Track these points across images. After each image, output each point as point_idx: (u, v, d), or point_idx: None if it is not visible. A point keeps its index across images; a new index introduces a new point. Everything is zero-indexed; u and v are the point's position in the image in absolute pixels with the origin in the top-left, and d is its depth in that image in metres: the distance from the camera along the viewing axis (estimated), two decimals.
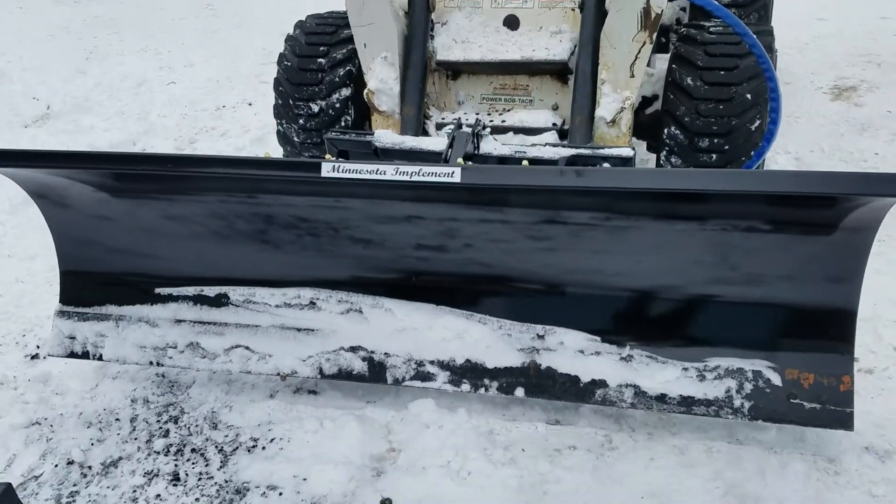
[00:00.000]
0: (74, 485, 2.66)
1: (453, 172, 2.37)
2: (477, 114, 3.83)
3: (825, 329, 2.48)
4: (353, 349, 2.86)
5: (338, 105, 3.98)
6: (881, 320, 3.18)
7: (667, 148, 3.56)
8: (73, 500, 2.59)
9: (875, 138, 4.75)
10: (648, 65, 3.67)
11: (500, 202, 2.61)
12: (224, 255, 3.00)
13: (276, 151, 4.26)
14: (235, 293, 3.00)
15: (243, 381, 3.11)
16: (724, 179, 2.25)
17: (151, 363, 2.98)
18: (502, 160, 3.34)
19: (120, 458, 2.77)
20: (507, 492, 2.48)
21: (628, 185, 2.35)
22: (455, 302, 2.83)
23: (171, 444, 2.81)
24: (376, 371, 2.84)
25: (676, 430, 2.70)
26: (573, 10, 3.60)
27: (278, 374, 2.91)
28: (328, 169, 2.47)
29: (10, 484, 2.00)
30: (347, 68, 4.00)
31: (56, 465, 2.75)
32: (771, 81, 2.82)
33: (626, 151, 3.20)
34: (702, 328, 2.63)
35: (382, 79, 3.77)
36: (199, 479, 2.64)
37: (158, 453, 2.78)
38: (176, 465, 2.71)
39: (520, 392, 2.69)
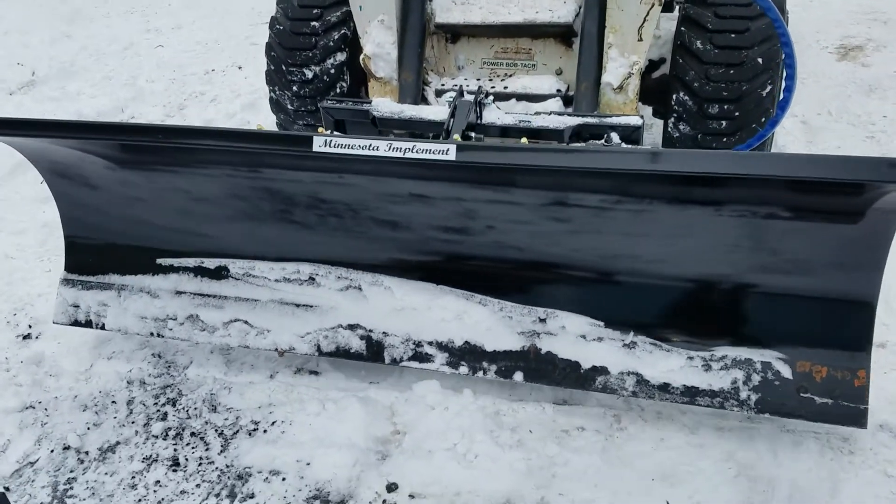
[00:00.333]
0: (71, 471, 2.60)
1: (448, 150, 2.27)
2: (478, 79, 3.70)
3: (841, 320, 2.37)
4: (352, 327, 2.80)
5: (332, 71, 3.84)
6: (894, 291, 3.10)
7: (675, 114, 3.44)
8: (71, 488, 2.53)
9: (883, 100, 4.63)
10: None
11: (502, 181, 2.50)
12: (224, 228, 2.95)
13: (268, 118, 4.12)
14: (235, 266, 2.96)
15: (241, 361, 3.03)
16: (741, 163, 2.10)
17: (152, 334, 2.95)
18: (505, 130, 3.23)
19: (117, 443, 2.70)
20: (515, 475, 2.42)
21: (633, 166, 2.22)
22: (456, 282, 2.75)
23: (169, 428, 2.75)
24: (374, 350, 2.78)
25: (686, 408, 2.64)
26: None
27: (276, 349, 2.85)
28: (320, 143, 2.39)
29: (3, 493, 1.92)
30: (342, 31, 3.84)
31: (52, 451, 2.68)
32: (786, 46, 2.70)
33: (634, 120, 3.09)
34: (709, 316, 2.53)
35: (379, 43, 3.62)
36: (200, 465, 2.58)
37: (157, 437, 2.71)
38: (175, 450, 2.64)
39: (518, 377, 2.62)
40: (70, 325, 3.06)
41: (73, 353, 3.13)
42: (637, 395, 2.52)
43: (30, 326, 3.32)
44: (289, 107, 3.94)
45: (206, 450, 2.63)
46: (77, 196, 3.02)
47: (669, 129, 3.48)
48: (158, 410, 2.83)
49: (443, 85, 3.69)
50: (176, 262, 3.00)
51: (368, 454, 2.54)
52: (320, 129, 2.70)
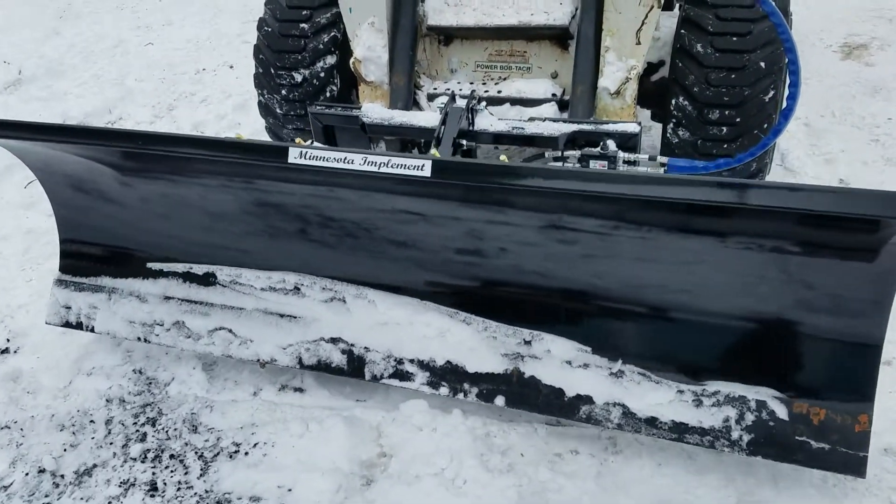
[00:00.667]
0: (46, 496, 2.50)
1: (423, 165, 2.20)
2: (471, 83, 3.59)
3: (844, 361, 2.20)
4: (334, 340, 2.73)
5: (322, 74, 3.72)
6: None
7: (674, 119, 3.33)
8: None
9: (888, 101, 4.52)
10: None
11: (482, 198, 2.39)
12: (213, 234, 2.91)
13: (259, 120, 4.00)
14: (223, 273, 2.92)
15: (224, 377, 2.94)
16: (747, 194, 1.96)
17: (139, 339, 2.93)
18: (498, 137, 3.12)
19: (94, 466, 2.60)
20: (505, 503, 2.32)
21: (621, 191, 2.09)
22: (440, 299, 2.66)
23: (148, 450, 2.65)
24: (355, 365, 2.70)
25: None
26: None
27: (258, 360, 2.79)
28: (295, 155, 2.35)
29: None
30: (332, 34, 3.73)
31: (27, 474, 2.59)
32: (790, 52, 2.58)
33: (631, 127, 2.98)
34: (703, 348, 2.37)
35: (370, 46, 3.51)
36: (178, 489, 2.48)
37: (135, 460, 2.62)
38: (153, 474, 2.55)
39: (500, 401, 2.51)
40: (62, 325, 3.04)
41: (52, 369, 3.03)
42: (623, 429, 2.38)
43: (8, 340, 3.23)
44: (278, 111, 3.83)
45: (186, 473, 2.54)
46: (71, 197, 3.00)
47: (668, 135, 3.37)
48: (138, 431, 2.74)
49: (435, 89, 3.59)
50: (165, 266, 2.97)
51: (353, 479, 2.44)
52: (298, 140, 2.62)
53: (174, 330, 2.89)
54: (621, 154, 2.95)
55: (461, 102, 3.13)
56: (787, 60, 2.65)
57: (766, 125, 3.19)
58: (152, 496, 2.47)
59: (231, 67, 5.66)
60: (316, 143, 2.72)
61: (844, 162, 3.94)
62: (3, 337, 3.25)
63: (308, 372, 2.85)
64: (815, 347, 2.23)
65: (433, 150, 2.54)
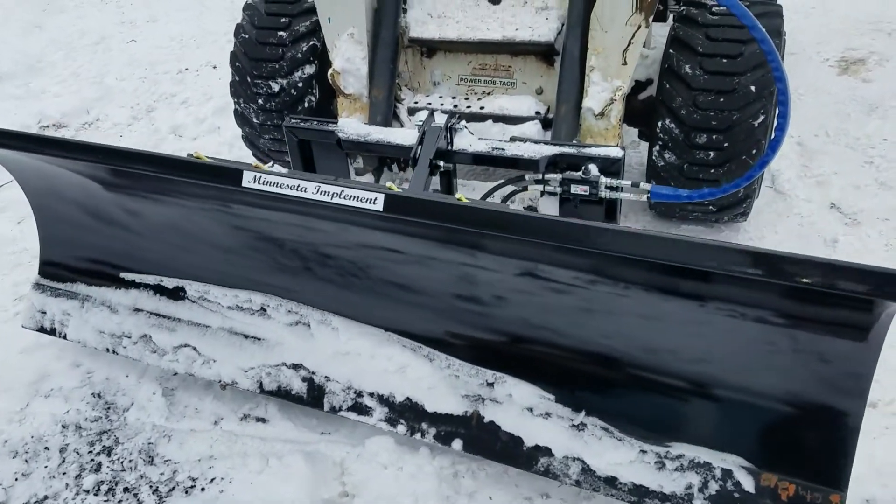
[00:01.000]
0: None
1: (375, 199, 2.14)
2: (453, 97, 3.47)
3: (819, 437, 2.05)
4: (295, 367, 2.65)
5: (300, 84, 3.61)
6: (888, 340, 2.89)
7: (660, 142, 3.22)
8: None
9: (884, 120, 4.40)
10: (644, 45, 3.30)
11: (437, 235, 2.29)
12: (184, 248, 2.86)
13: (238, 127, 3.87)
14: (192, 288, 2.88)
15: (185, 404, 2.82)
16: (727, 258, 1.82)
17: (108, 349, 2.89)
18: (478, 158, 3.01)
19: (45, 498, 2.50)
20: None
21: (580, 244, 1.98)
22: (403, 331, 2.57)
23: (102, 482, 2.54)
24: (315, 395, 2.62)
25: None
26: None
27: (220, 381, 2.73)
28: (249, 179, 2.31)
29: None
30: (311, 43, 3.61)
31: None
32: (780, 82, 2.47)
33: (614, 152, 2.87)
34: (671, 407, 2.23)
35: (349, 58, 3.39)
36: None
37: (88, 492, 2.51)
38: None
39: (457, 445, 2.39)
40: (37, 330, 3.01)
41: (8, 391, 2.91)
42: (581, 486, 2.24)
43: None
44: (254, 120, 3.72)
45: None
46: (52, 203, 2.98)
47: (654, 158, 3.26)
48: (92, 460, 2.63)
49: (416, 102, 3.47)
50: (138, 277, 2.94)
51: None
52: (255, 164, 2.52)
53: (141, 343, 2.84)
54: (603, 179, 2.84)
55: (440, 120, 3.02)
56: (776, 90, 2.53)
57: (754, 151, 3.08)
58: None
59: (214, 68, 5.52)
60: (276, 167, 2.60)
61: (837, 185, 3.83)
62: None
63: (272, 401, 2.76)
64: (789, 419, 2.09)
65: (389, 184, 2.40)
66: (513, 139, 3.11)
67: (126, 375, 2.96)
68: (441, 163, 2.95)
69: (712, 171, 3.13)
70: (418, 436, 2.44)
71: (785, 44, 3.22)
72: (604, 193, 2.86)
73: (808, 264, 1.74)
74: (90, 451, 2.66)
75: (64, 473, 2.58)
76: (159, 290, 2.91)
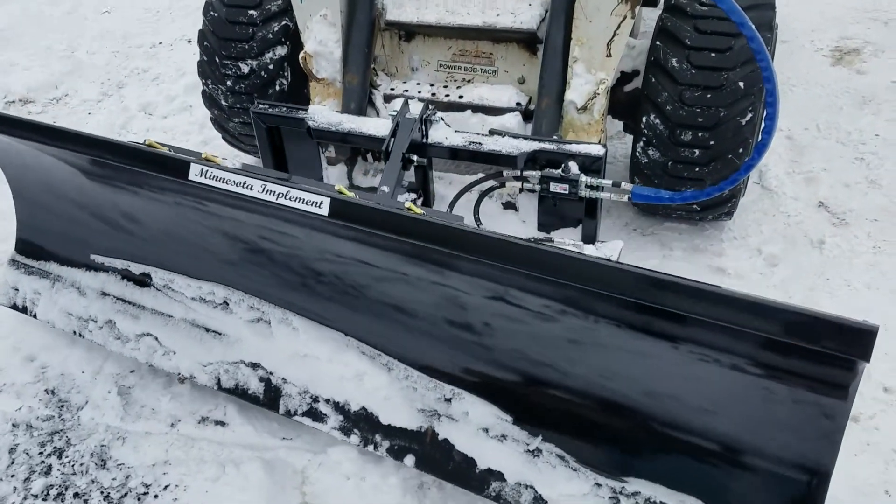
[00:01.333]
0: None
1: (321, 203, 2.06)
2: (432, 84, 3.33)
3: (785, 485, 1.90)
4: (254, 366, 2.58)
5: (271, 66, 3.45)
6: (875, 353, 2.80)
7: (644, 139, 3.10)
8: None
9: (877, 114, 4.29)
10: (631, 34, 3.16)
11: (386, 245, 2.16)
12: (152, 234, 2.79)
13: (205, 111, 3.71)
14: (157, 276, 2.82)
15: (142, 404, 2.71)
16: (702, 302, 1.68)
17: (75, 332, 2.85)
18: (454, 152, 2.88)
19: None
20: None
21: (540, 270, 1.84)
22: (362, 337, 2.46)
23: (51, 486, 2.43)
24: (271, 396, 2.54)
25: None
26: None
27: (178, 374, 2.66)
28: (196, 172, 2.25)
29: None
30: (283, 23, 3.45)
31: None
32: (769, 83, 2.34)
33: (595, 149, 2.75)
34: (631, 440, 2.09)
35: (321, 40, 3.24)
36: None
37: (37, 497, 2.40)
38: None
39: (410, 461, 2.29)
40: (10, 307, 2.99)
41: None
42: None
43: None
44: (223, 102, 3.56)
45: None
46: (27, 182, 2.94)
47: (638, 154, 3.14)
48: (43, 462, 2.52)
49: (392, 89, 3.32)
50: (107, 261, 2.90)
51: None
52: (204, 154, 2.41)
53: (106, 329, 2.80)
54: (583, 178, 2.73)
55: (415, 110, 2.88)
56: (764, 91, 2.41)
57: (741, 150, 2.96)
58: None
59: (189, 42, 5.32)
60: (226, 160, 2.48)
61: (826, 182, 3.72)
62: None
63: (231, 403, 2.65)
64: (755, 466, 1.95)
65: (339, 186, 2.27)
66: (492, 132, 2.99)
67: (82, 371, 2.84)
68: (415, 157, 2.82)
69: (697, 169, 3.01)
70: (371, 448, 2.34)
71: (776, 37, 3.09)
72: (584, 193, 2.74)
73: (785, 315, 1.61)
74: (41, 453, 2.55)
75: (12, 476, 2.47)
76: (126, 275, 2.86)
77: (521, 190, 2.91)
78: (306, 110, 3.03)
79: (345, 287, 2.42)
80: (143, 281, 2.84)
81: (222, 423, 2.62)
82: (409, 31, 3.35)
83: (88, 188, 2.74)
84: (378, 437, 2.34)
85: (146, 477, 2.44)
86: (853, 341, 1.56)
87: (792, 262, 3.24)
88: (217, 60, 3.46)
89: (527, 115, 3.15)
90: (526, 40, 3.17)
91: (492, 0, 3.15)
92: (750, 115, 2.91)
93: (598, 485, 2.08)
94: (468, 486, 2.23)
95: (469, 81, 3.33)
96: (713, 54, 2.90)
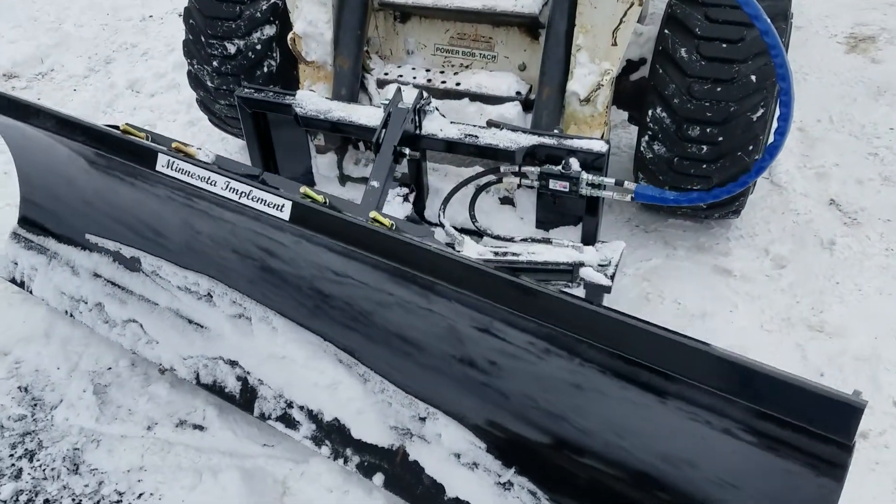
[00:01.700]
0: None
1: (283, 206, 2.01)
2: (427, 69, 3.17)
3: None
4: (232, 363, 2.52)
5: (259, 46, 3.28)
6: (882, 361, 2.69)
7: (649, 132, 2.94)
8: None
9: (892, 106, 4.12)
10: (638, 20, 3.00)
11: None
12: (143, 219, 2.72)
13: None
14: (146, 261, 2.78)
15: (118, 404, 2.60)
16: (692, 364, 1.54)
17: (66, 312, 2.84)
18: (450, 145, 2.73)
19: None
20: None
21: (502, 303, 1.74)
22: (341, 343, 2.35)
23: (21, 491, 2.33)
24: (247, 397, 2.46)
25: None
26: None
27: (159, 364, 2.62)
28: (163, 163, 2.23)
29: None
30: (272, 1, 3.28)
31: None
32: (783, 81, 2.19)
33: (598, 146, 2.60)
34: (605, 487, 1.96)
35: (311, 21, 3.08)
36: None
37: (5, 503, 2.29)
38: None
39: (378, 480, 2.19)
40: (9, 281, 2.99)
41: None
42: None
43: None
44: (209, 84, 3.40)
45: None
46: (29, 159, 2.93)
47: (642, 148, 2.99)
48: (13, 465, 2.41)
49: (386, 74, 3.17)
50: (101, 241, 2.86)
51: None
52: (175, 144, 2.33)
53: (95, 311, 2.77)
54: (585, 175, 2.59)
55: (409, 98, 2.73)
56: (778, 89, 2.25)
57: (751, 147, 2.81)
58: None
59: (180, 15, 5.11)
60: (200, 150, 2.37)
61: (837, 178, 3.57)
62: None
63: (211, 406, 2.54)
64: None
65: (304, 189, 2.15)
66: (489, 124, 2.84)
67: (57, 368, 2.72)
68: (407, 150, 2.68)
69: (704, 166, 2.86)
70: (341, 462, 2.24)
71: (791, 26, 2.92)
72: (584, 191, 2.61)
73: (767, 383, 1.46)
74: (11, 455, 2.44)
75: None
76: (118, 257, 2.83)
77: (520, 186, 2.77)
78: (294, 96, 2.88)
79: (321, 291, 2.30)
80: (132, 265, 2.79)
81: (201, 427, 2.50)
82: (404, 12, 3.18)
83: (84, 168, 2.67)
84: (349, 452, 2.25)
85: (120, 484, 2.33)
86: (836, 420, 1.41)
87: (800, 263, 3.10)
88: (203, 40, 3.30)
89: (527, 105, 3.00)
90: (527, 25, 3.01)
91: None
92: (762, 111, 2.76)
93: None
94: None
95: (467, 67, 3.17)
96: (724, 45, 2.74)
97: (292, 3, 3.07)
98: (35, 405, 2.61)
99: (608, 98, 2.86)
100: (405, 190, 2.80)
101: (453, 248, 2.65)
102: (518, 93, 3.00)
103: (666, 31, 2.86)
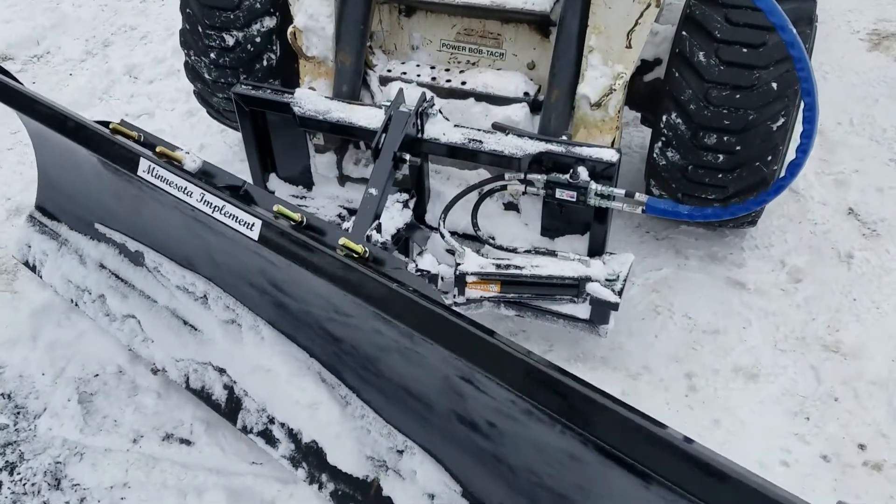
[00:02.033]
0: None
1: (253, 225, 1.98)
2: (433, 66, 3.03)
3: None
4: (220, 371, 2.46)
5: (258, 39, 3.15)
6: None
7: (663, 138, 2.81)
8: None
9: None
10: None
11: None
12: (147, 214, 2.66)
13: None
14: (149, 256, 2.70)
15: (104, 414, 2.51)
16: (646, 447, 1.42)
17: (72, 301, 2.83)
18: (453, 150, 2.61)
19: None
20: None
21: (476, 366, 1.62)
22: (326, 362, 2.25)
23: None
24: (232, 407, 2.39)
25: None
26: None
27: (153, 363, 2.59)
28: (144, 168, 2.22)
29: None
30: None
31: None
32: (808, 96, 2.06)
33: (608, 154, 2.47)
34: None
35: (312, 14, 2.94)
36: None
37: None
38: None
39: None
40: (23, 263, 3.00)
41: None
42: None
43: None
44: (206, 76, 3.27)
45: None
46: (46, 145, 2.93)
47: (655, 155, 2.86)
48: None
49: (389, 71, 3.03)
50: (108, 232, 2.81)
51: None
52: (159, 149, 2.26)
53: (98, 303, 2.75)
54: (593, 185, 2.46)
55: (411, 99, 2.60)
56: (802, 103, 2.12)
57: (769, 157, 2.68)
58: None
59: None
60: (189, 153, 2.27)
61: (857, 186, 3.43)
62: None
63: (198, 422, 2.45)
64: None
65: (278, 207, 2.05)
66: (495, 126, 2.72)
67: (42, 374, 2.63)
68: (407, 156, 2.55)
69: (720, 176, 2.73)
70: (316, 487, 2.16)
71: (816, 30, 2.77)
72: (593, 201, 2.48)
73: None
74: None
75: None
76: (124, 250, 2.79)
77: (525, 192, 2.65)
78: (292, 93, 2.75)
79: (301, 307, 2.21)
80: (137, 259, 2.75)
81: (188, 442, 2.41)
82: (409, 6, 3.05)
83: (91, 159, 2.61)
84: (324, 478, 2.16)
85: (102, 502, 2.25)
86: None
87: (817, 277, 2.98)
88: (200, 30, 3.17)
89: (535, 107, 2.87)
90: (538, 22, 2.87)
91: None
92: (782, 120, 2.63)
93: None
94: None
95: (474, 64, 3.04)
96: (745, 49, 2.60)
97: None
98: (18, 413, 2.52)
99: (620, 102, 2.72)
100: (405, 196, 2.68)
101: (454, 255, 2.56)
102: (526, 94, 2.86)
103: (683, 32, 2.72)
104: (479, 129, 2.63)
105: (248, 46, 3.15)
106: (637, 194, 2.46)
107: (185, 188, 2.10)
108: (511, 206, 2.86)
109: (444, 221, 2.62)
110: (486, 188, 2.65)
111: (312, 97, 2.75)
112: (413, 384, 2.05)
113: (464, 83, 2.91)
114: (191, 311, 2.60)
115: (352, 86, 2.95)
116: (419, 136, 2.60)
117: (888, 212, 3.30)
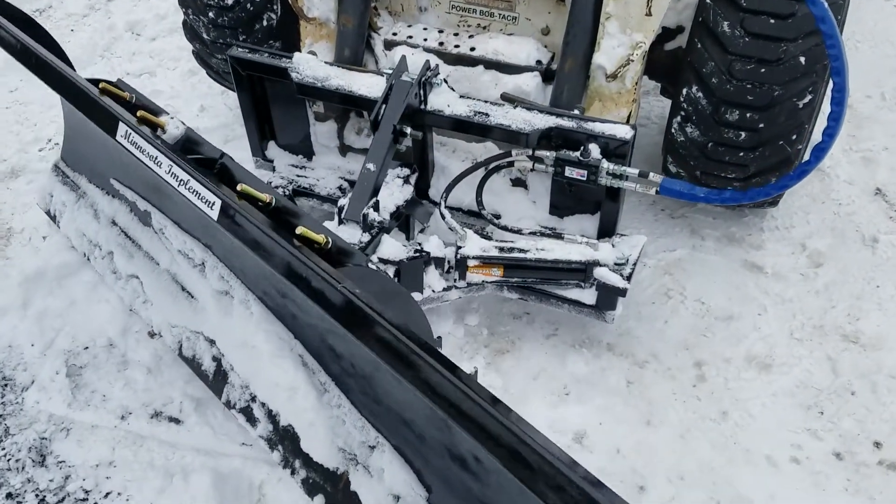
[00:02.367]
0: None
1: (213, 204, 1.91)
2: (440, 30, 2.87)
3: None
4: (210, 342, 2.40)
5: None
6: None
7: (682, 113, 2.66)
8: None
9: None
10: None
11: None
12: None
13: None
14: (156, 217, 2.59)
15: (93, 388, 2.45)
16: None
17: (84, 255, 2.84)
18: (458, 123, 2.47)
19: None
20: None
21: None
22: (308, 344, 2.15)
23: None
24: (219, 379, 2.33)
25: None
26: None
27: (150, 326, 2.57)
28: (122, 133, 2.18)
29: None
30: None
31: None
32: (837, 75, 1.90)
33: (622, 131, 2.33)
34: None
35: None
36: None
37: None
38: None
39: (319, 501, 2.03)
40: (45, 212, 3.02)
41: None
42: None
43: None
44: (204, 36, 3.14)
45: None
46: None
47: (674, 130, 2.71)
48: None
49: (394, 35, 2.88)
50: (122, 189, 2.73)
51: None
52: (140, 114, 2.22)
53: (106, 260, 2.74)
54: (605, 164, 2.32)
55: (415, 64, 2.46)
56: (832, 83, 1.96)
57: (794, 136, 2.53)
58: None
59: None
60: (174, 119, 2.19)
61: (886, 165, 3.26)
62: None
63: (188, 399, 2.38)
64: None
65: (243, 186, 1.94)
66: (503, 97, 2.57)
67: (31, 344, 2.57)
68: (408, 129, 2.42)
69: (741, 154, 2.58)
70: (289, 472, 2.09)
71: (848, 3, 2.58)
72: (604, 181, 2.35)
73: None
74: None
75: None
76: (134, 209, 2.72)
77: (533, 168, 2.52)
78: (291, 58, 2.62)
79: (277, 287, 2.12)
80: (146, 218, 2.68)
81: (177, 421, 2.35)
82: None
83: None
84: (297, 464, 2.09)
85: (87, 480, 2.19)
86: None
87: (839, 262, 2.84)
88: None
89: (547, 76, 2.72)
90: None
91: None
92: (809, 97, 2.47)
93: None
94: None
95: (485, 28, 2.88)
96: (772, 20, 2.42)
97: None
98: (5, 385, 2.46)
99: (638, 74, 2.57)
100: (406, 171, 2.56)
101: (456, 233, 2.44)
102: (538, 62, 2.71)
103: (708, 0, 2.54)
104: (485, 101, 2.48)
105: (248, 6, 3.00)
106: (651, 174, 2.32)
107: (156, 157, 2.05)
108: (519, 183, 2.72)
109: (445, 200, 2.49)
110: (492, 165, 2.51)
111: (311, 62, 2.61)
112: (378, 388, 1.95)
113: (472, 49, 2.75)
114: (189, 277, 2.52)
115: (354, 50, 2.80)
116: (422, 107, 2.46)
117: None
